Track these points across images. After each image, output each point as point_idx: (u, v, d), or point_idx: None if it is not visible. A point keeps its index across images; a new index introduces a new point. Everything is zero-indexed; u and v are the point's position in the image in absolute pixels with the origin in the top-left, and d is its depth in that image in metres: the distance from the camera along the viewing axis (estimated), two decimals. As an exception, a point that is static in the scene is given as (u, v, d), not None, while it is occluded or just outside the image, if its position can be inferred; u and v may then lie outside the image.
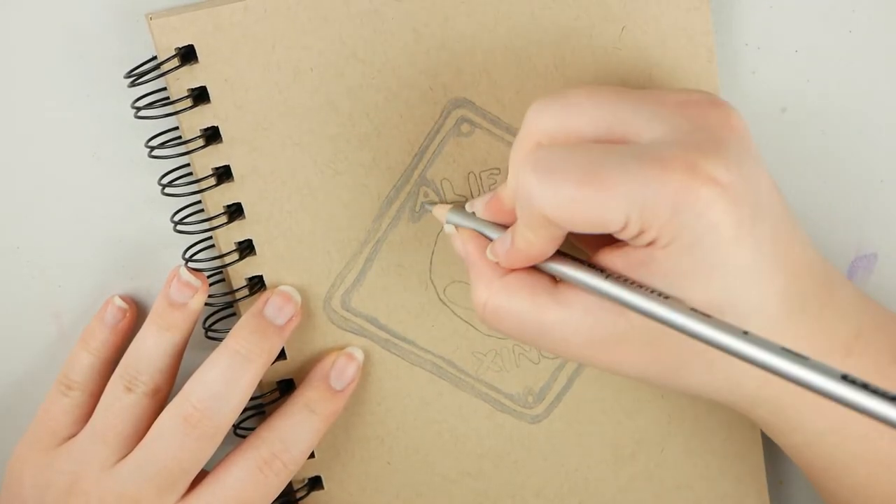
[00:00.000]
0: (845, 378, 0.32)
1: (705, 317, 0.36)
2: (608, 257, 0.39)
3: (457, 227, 0.43)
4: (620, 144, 0.38)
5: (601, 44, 0.45)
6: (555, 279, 0.40)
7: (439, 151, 0.46)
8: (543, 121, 0.39)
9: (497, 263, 0.41)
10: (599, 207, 0.36)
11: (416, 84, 0.45)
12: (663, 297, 0.37)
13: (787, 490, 0.55)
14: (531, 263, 0.40)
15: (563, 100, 0.39)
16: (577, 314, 0.39)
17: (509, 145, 0.46)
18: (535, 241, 0.39)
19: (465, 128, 0.46)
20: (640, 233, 0.37)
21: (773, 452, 0.54)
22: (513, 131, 0.46)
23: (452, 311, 0.49)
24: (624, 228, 0.37)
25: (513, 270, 0.41)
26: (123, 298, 0.49)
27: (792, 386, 0.39)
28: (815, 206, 0.50)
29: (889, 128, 0.49)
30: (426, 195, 0.47)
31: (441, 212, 0.45)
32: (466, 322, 0.49)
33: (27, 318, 0.50)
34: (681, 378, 0.40)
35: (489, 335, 0.49)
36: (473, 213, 0.44)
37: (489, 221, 0.43)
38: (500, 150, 0.46)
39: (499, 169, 0.46)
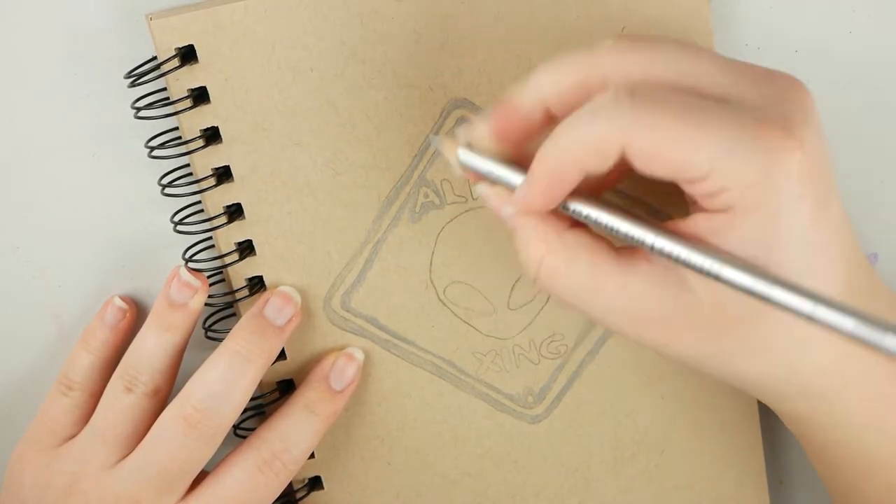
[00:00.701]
0: None
1: (793, 286, 0.34)
2: (677, 226, 0.37)
3: (487, 182, 0.39)
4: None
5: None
6: (614, 246, 0.38)
7: (439, 152, 0.46)
8: (623, 59, 0.36)
9: (551, 220, 0.37)
10: (690, 145, 0.34)
11: (416, 84, 0.45)
12: (741, 259, 0.35)
13: (787, 490, 0.55)
14: (554, 199, 0.37)
15: (650, 44, 0.36)
16: (639, 283, 0.37)
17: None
18: (569, 167, 0.35)
19: (465, 128, 0.46)
20: (720, 191, 0.34)
21: (773, 453, 0.54)
22: (513, 131, 0.46)
23: (452, 312, 0.49)
24: (704, 180, 0.34)
25: (572, 226, 0.38)
26: (123, 298, 0.49)
27: (845, 378, 0.39)
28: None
29: (889, 128, 0.49)
30: (426, 195, 0.47)
31: (448, 147, 0.39)
32: (466, 322, 0.49)
33: (27, 318, 0.50)
34: (734, 363, 0.38)
35: (489, 335, 0.49)
36: (480, 153, 0.39)
37: (504, 162, 0.38)
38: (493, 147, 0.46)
39: None
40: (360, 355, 0.49)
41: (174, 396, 0.46)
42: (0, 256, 0.49)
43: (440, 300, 0.49)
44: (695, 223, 0.36)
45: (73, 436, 0.48)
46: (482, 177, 0.39)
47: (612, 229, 0.37)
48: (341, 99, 0.45)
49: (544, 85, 0.37)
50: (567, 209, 0.38)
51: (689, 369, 0.39)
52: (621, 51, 0.36)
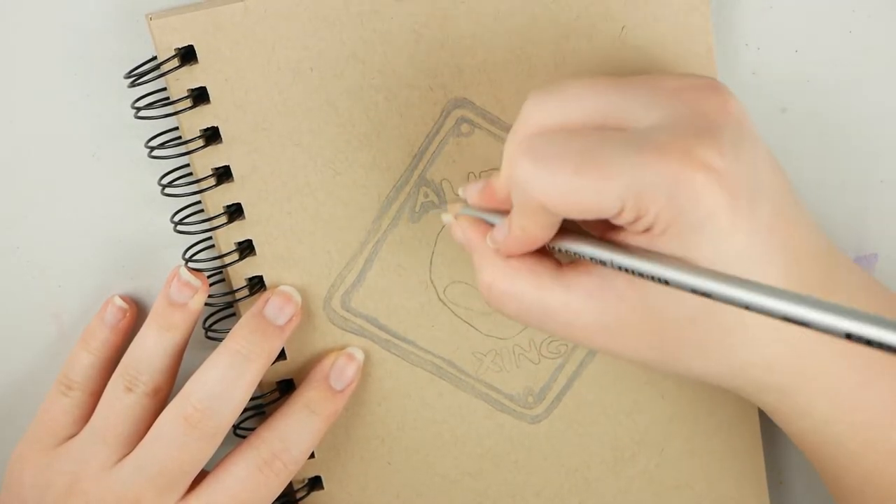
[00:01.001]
0: (852, 315, 0.31)
1: (714, 273, 0.35)
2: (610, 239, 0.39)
3: (455, 216, 0.43)
4: (617, 131, 0.37)
5: (601, 44, 0.45)
6: (559, 263, 0.40)
7: (439, 151, 0.46)
8: (540, 114, 0.39)
9: (497, 254, 0.41)
10: (595, 194, 0.36)
11: (416, 84, 0.45)
12: (666, 257, 0.36)
13: (787, 490, 0.55)
14: (528, 249, 0.40)
15: (560, 93, 0.39)
16: (579, 297, 0.39)
17: (509, 145, 0.46)
18: (531, 229, 0.39)
19: (464, 128, 0.46)
20: (637, 219, 0.36)
21: (773, 453, 0.54)
22: (513, 131, 0.46)
23: (452, 312, 0.49)
24: (620, 214, 0.36)
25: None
26: (123, 298, 0.49)
27: (799, 374, 0.39)
28: (815, 206, 0.50)
29: (889, 128, 0.49)
30: (426, 195, 0.47)
31: (447, 216, 0.44)
32: (466, 322, 0.49)
33: (27, 318, 0.50)
34: (682, 362, 0.40)
35: (489, 335, 0.49)
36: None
37: (487, 209, 0.42)
38: (499, 150, 0.46)
39: (498, 169, 0.46)
40: (360, 355, 0.49)
41: (174, 396, 0.46)
42: (0, 256, 0.49)
43: (440, 300, 0.49)
44: (621, 238, 0.38)
45: (73, 436, 0.48)
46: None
47: (552, 247, 0.40)
48: (341, 99, 0.45)
49: (507, 169, 0.40)
50: (551, 248, 0.41)
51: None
52: (536, 104, 0.39)
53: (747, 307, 0.33)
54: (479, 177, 0.47)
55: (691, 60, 0.45)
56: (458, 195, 0.47)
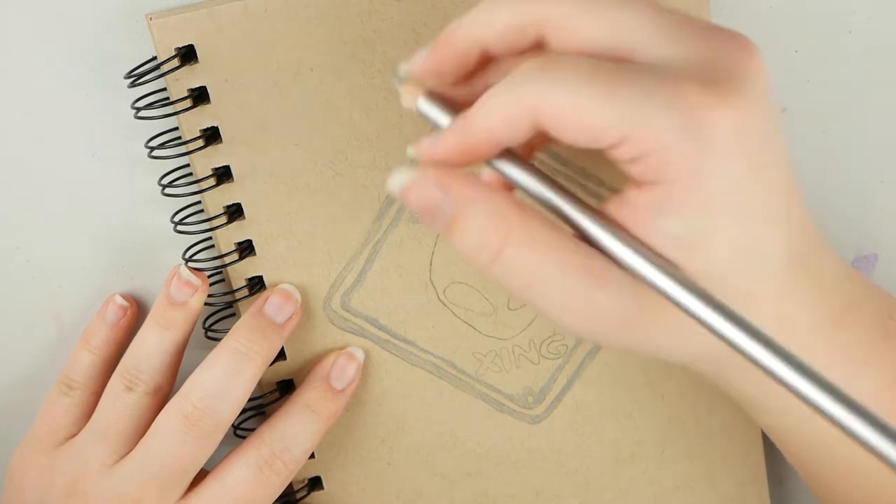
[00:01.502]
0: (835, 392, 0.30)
1: (705, 294, 0.32)
2: (615, 205, 0.35)
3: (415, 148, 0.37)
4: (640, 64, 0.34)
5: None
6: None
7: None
8: (562, 7, 0.34)
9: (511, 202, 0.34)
10: (600, 110, 0.32)
11: (416, 84, 0.45)
12: (660, 259, 0.33)
13: (788, 490, 0.55)
14: (472, 160, 0.34)
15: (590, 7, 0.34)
16: (607, 294, 0.35)
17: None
18: (496, 128, 0.33)
19: (465, 128, 0.46)
20: (640, 157, 0.33)
21: (773, 453, 0.54)
22: (513, 131, 0.46)
23: (452, 312, 0.49)
24: (619, 144, 0.33)
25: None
26: (124, 296, 0.49)
27: None
28: (815, 206, 0.50)
29: (889, 128, 0.49)
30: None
31: (409, 92, 0.37)
32: (466, 323, 0.49)
33: (27, 318, 0.50)
34: (653, 339, 0.36)
35: (489, 336, 0.49)
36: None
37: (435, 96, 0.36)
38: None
39: None
40: (360, 355, 0.49)
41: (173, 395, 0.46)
42: (0, 256, 0.49)
43: (440, 300, 0.49)
44: (633, 202, 0.34)
45: (74, 435, 0.48)
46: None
47: (536, 195, 0.35)
48: (341, 99, 0.45)
49: (480, 24, 0.35)
50: (493, 167, 0.35)
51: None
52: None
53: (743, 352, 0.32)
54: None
55: None
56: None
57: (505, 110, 0.33)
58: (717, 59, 0.34)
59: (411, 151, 0.36)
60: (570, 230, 0.35)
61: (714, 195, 0.33)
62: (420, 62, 0.36)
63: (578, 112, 0.32)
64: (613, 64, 0.33)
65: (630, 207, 0.34)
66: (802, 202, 0.37)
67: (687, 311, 0.33)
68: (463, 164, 0.35)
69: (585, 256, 0.34)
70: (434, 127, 0.36)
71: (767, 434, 0.43)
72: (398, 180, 0.35)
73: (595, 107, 0.32)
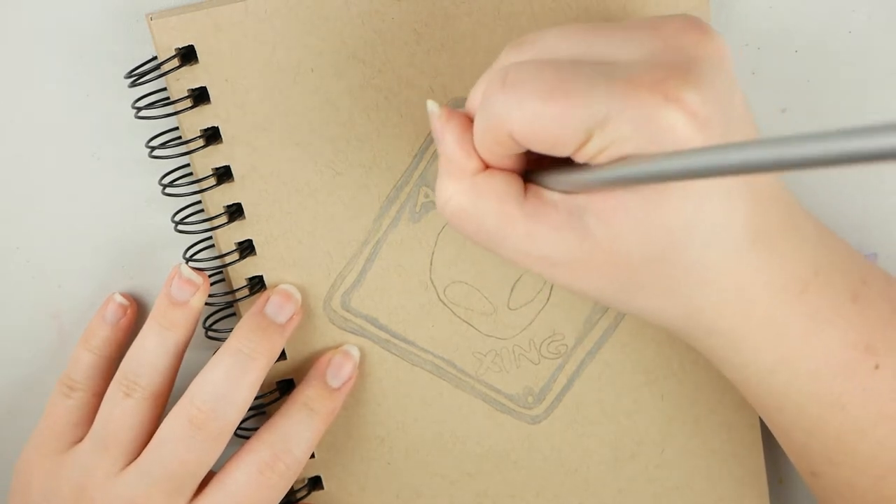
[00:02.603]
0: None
1: (669, 153, 0.33)
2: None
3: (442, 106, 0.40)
4: (592, 64, 0.36)
5: (601, 44, 0.45)
6: (524, 190, 0.39)
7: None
8: (514, 59, 0.38)
9: (471, 158, 0.39)
10: (561, 124, 0.35)
11: (416, 84, 0.45)
12: (622, 159, 0.35)
13: (787, 490, 0.55)
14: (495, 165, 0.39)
15: (535, 42, 0.38)
16: (544, 229, 0.38)
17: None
18: (497, 152, 0.38)
19: (465, 128, 0.46)
20: (601, 151, 0.35)
21: (773, 453, 0.54)
22: (513, 131, 0.46)
23: (452, 312, 0.49)
24: (584, 146, 0.35)
25: (485, 169, 0.39)
26: (124, 295, 0.49)
27: (746, 319, 0.39)
28: (816, 206, 0.50)
29: (889, 128, 0.49)
30: (427, 195, 0.47)
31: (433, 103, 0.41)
32: (466, 322, 0.49)
33: (27, 318, 0.50)
34: (638, 299, 0.39)
35: (489, 336, 0.49)
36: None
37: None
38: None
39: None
40: (356, 352, 0.49)
41: (175, 399, 0.46)
42: (0, 256, 0.49)
43: (440, 300, 0.49)
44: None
45: (79, 438, 0.48)
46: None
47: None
48: (341, 99, 0.45)
49: (475, 101, 0.39)
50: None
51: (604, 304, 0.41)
52: (512, 53, 0.38)
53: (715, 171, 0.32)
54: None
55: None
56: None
57: (491, 138, 0.37)
58: (671, 49, 0.36)
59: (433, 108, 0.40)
60: (515, 188, 0.38)
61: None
62: (451, 136, 0.40)
63: (539, 129, 0.35)
64: (571, 69, 0.35)
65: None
66: (773, 177, 0.39)
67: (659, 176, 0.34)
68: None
69: (523, 205, 0.38)
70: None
71: (736, 386, 0.44)
72: (430, 106, 0.40)
73: (558, 123, 0.35)
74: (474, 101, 0.39)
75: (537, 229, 0.38)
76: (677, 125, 0.34)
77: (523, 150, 0.37)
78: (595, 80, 0.35)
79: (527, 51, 0.38)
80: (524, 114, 0.35)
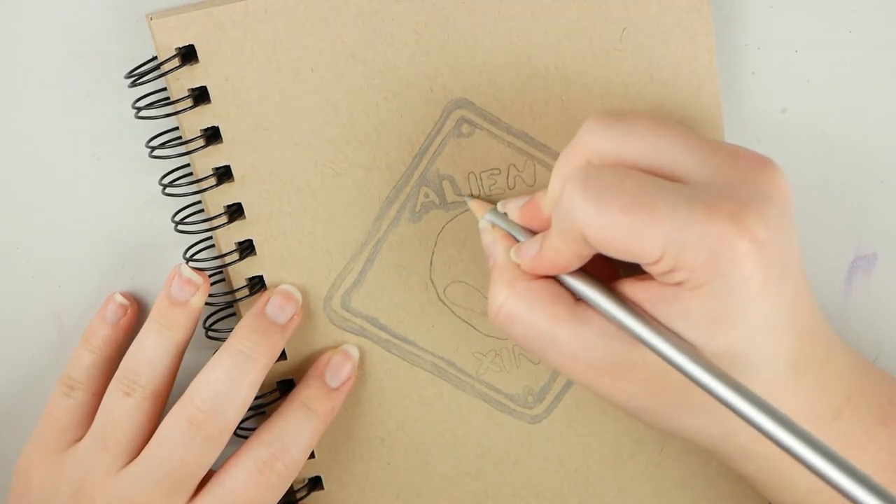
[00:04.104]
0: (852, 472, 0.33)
1: (718, 371, 0.36)
2: (632, 287, 0.39)
3: (492, 225, 0.44)
4: (669, 181, 0.38)
5: (601, 44, 0.45)
6: (574, 297, 0.41)
7: (439, 152, 0.46)
8: (599, 141, 0.39)
9: (521, 270, 0.41)
10: (640, 238, 0.36)
11: (416, 84, 0.45)
12: (680, 340, 0.37)
13: (787, 490, 0.55)
14: (554, 273, 0.40)
15: (623, 124, 0.39)
16: (592, 334, 0.39)
17: (509, 146, 0.46)
18: (563, 253, 0.39)
19: (465, 128, 0.46)
20: (671, 270, 0.37)
21: (772, 452, 0.54)
22: (513, 132, 0.46)
23: (452, 312, 0.49)
24: (657, 263, 0.37)
25: (536, 278, 0.41)
26: (124, 295, 0.49)
27: None
28: (816, 206, 0.50)
29: (889, 128, 0.49)
30: (426, 195, 0.47)
31: (477, 207, 0.45)
32: (466, 322, 0.49)
33: (27, 318, 0.50)
34: (676, 418, 0.41)
35: (489, 335, 0.49)
36: (505, 213, 0.44)
37: (520, 225, 0.43)
38: (500, 151, 0.46)
39: (499, 169, 0.46)
40: (355, 352, 0.49)
41: (175, 399, 0.46)
42: (0, 256, 0.49)
43: (440, 300, 0.49)
44: (649, 289, 0.38)
45: (79, 437, 0.48)
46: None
47: (567, 284, 0.40)
48: (342, 99, 0.45)
49: (555, 190, 0.41)
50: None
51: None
52: (597, 130, 0.39)
53: (741, 416, 0.35)
54: (480, 177, 0.47)
55: (692, 61, 0.45)
56: (457, 197, 0.47)
57: (566, 246, 0.39)
58: (746, 182, 0.38)
59: (502, 208, 0.45)
60: (564, 294, 0.40)
61: (724, 308, 0.37)
62: (512, 213, 0.44)
63: (619, 241, 0.37)
64: (652, 184, 0.37)
65: (646, 293, 0.39)
66: (813, 306, 0.41)
67: (708, 389, 0.36)
68: (548, 273, 0.41)
69: (574, 309, 0.40)
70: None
71: None
72: (482, 222, 0.44)
73: (634, 237, 0.36)
74: (553, 190, 0.41)
75: (586, 333, 0.39)
76: (746, 261, 0.36)
77: (592, 253, 0.39)
78: (676, 200, 0.36)
79: (615, 129, 0.39)
80: (602, 222, 0.37)
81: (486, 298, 0.48)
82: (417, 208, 0.47)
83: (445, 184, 0.47)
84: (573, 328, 0.39)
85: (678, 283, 0.37)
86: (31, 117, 0.47)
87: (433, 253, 0.48)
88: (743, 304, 0.37)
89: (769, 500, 0.44)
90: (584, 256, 0.39)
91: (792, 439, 0.34)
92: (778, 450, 0.39)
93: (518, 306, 0.40)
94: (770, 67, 0.48)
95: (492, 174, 0.47)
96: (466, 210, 0.47)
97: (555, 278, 0.41)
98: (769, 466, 0.42)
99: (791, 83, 0.48)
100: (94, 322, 0.49)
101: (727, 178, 0.38)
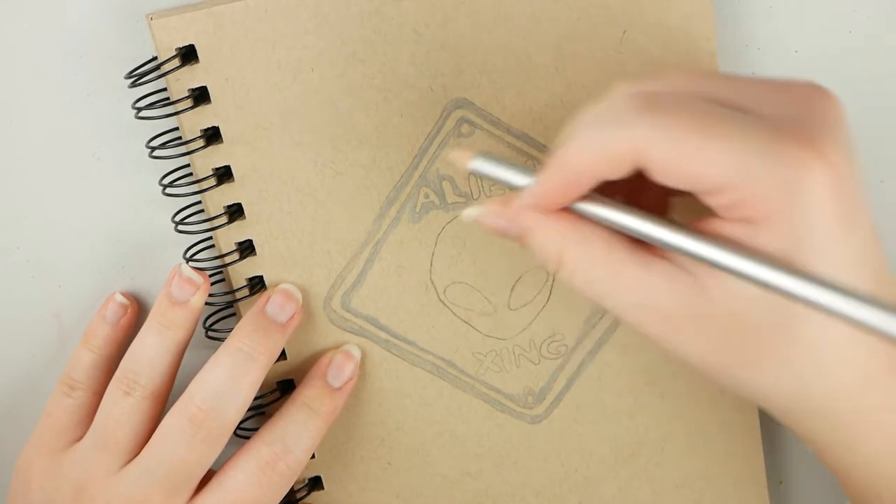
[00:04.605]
0: None
1: (814, 276, 0.33)
2: (696, 226, 0.36)
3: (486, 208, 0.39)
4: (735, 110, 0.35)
5: (602, 45, 0.45)
6: (634, 241, 0.37)
7: (440, 152, 0.46)
8: (638, 88, 0.36)
9: (564, 214, 0.37)
10: (703, 159, 0.33)
11: (416, 84, 0.45)
12: (759, 253, 0.34)
13: (787, 490, 0.55)
14: (567, 198, 0.36)
15: (661, 78, 0.36)
16: (657, 278, 0.36)
17: (509, 146, 0.46)
18: (585, 161, 0.35)
19: (465, 128, 0.46)
20: (736, 204, 0.34)
21: (773, 453, 0.54)
22: (513, 132, 0.46)
23: (452, 312, 0.49)
24: (720, 192, 0.34)
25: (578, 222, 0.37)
26: (124, 294, 0.49)
27: (861, 404, 0.37)
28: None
29: (889, 128, 0.49)
30: (427, 196, 0.47)
31: (458, 155, 0.40)
32: (466, 323, 0.49)
33: (27, 318, 0.50)
34: (746, 374, 0.37)
35: (489, 336, 0.49)
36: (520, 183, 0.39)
37: (515, 167, 0.38)
38: (500, 151, 0.46)
39: None
40: (357, 352, 0.49)
41: (174, 398, 0.46)
42: (0, 256, 0.49)
43: (440, 300, 0.49)
44: (712, 227, 0.35)
45: (79, 437, 0.48)
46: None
47: (627, 228, 0.36)
48: (342, 99, 0.45)
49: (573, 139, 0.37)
50: (577, 210, 0.37)
51: (699, 375, 0.38)
52: (632, 82, 0.36)
53: (846, 318, 0.32)
54: (480, 177, 0.47)
55: (693, 63, 0.45)
56: (457, 197, 0.47)
57: (607, 151, 0.34)
58: (801, 112, 0.35)
59: (472, 213, 0.39)
60: (622, 237, 0.37)
61: (801, 246, 0.34)
62: (531, 195, 0.38)
63: (684, 162, 0.33)
64: (718, 109, 0.34)
65: (709, 231, 0.35)
66: (883, 255, 0.37)
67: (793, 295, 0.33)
68: (557, 205, 0.37)
69: (635, 252, 0.36)
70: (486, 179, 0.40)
71: (832, 470, 0.42)
72: (470, 214, 0.39)
73: (701, 158, 0.33)
74: (572, 139, 0.36)
75: (648, 277, 0.36)
76: (822, 187, 0.33)
77: (624, 175, 0.35)
78: (745, 122, 0.33)
79: (650, 84, 0.36)
80: (672, 142, 0.33)
81: (486, 299, 0.48)
82: (417, 209, 0.47)
83: (445, 184, 0.47)
84: (635, 272, 0.36)
85: (743, 219, 0.34)
86: (32, 117, 0.47)
87: (433, 253, 0.48)
88: (825, 238, 0.34)
89: (832, 470, 0.41)
90: (617, 172, 0.35)
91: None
92: (850, 408, 0.37)
93: (576, 253, 0.37)
94: (771, 68, 0.48)
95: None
96: (466, 210, 0.47)
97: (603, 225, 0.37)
98: (839, 426, 0.38)
99: (791, 83, 0.48)
100: (95, 322, 0.49)
101: (788, 109, 0.35)
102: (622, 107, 0.34)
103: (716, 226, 0.35)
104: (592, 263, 0.37)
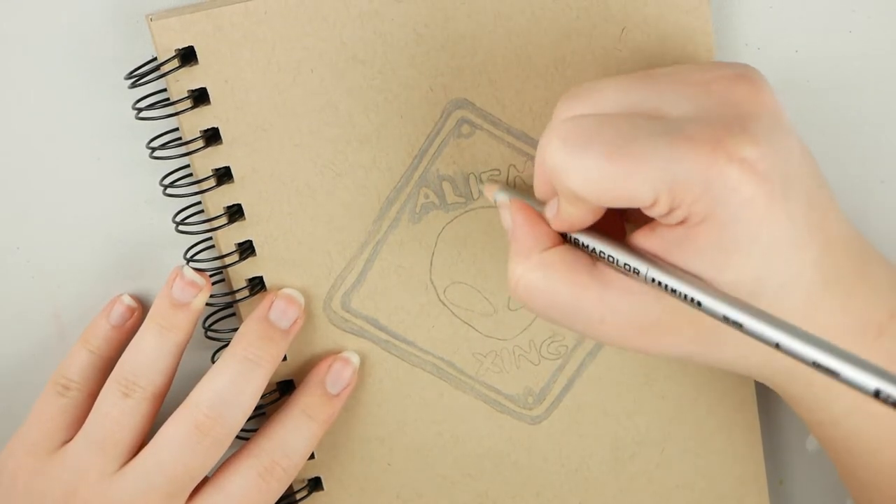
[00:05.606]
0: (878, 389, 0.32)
1: (741, 303, 0.35)
2: (644, 238, 0.38)
3: (510, 198, 0.43)
4: (649, 119, 0.37)
5: (601, 44, 0.45)
6: (593, 259, 0.40)
7: (440, 153, 0.46)
8: (571, 111, 0.38)
9: (537, 239, 0.40)
10: (627, 184, 0.35)
11: (416, 85, 0.45)
12: (688, 274, 0.37)
13: (787, 490, 0.55)
14: (574, 230, 0.40)
15: (588, 94, 0.38)
16: (615, 294, 0.39)
17: (510, 146, 0.46)
18: (573, 213, 0.38)
19: (465, 129, 0.46)
20: (671, 210, 0.36)
21: (773, 453, 0.54)
22: (513, 132, 0.46)
23: (452, 313, 0.49)
24: (654, 205, 0.36)
25: (552, 247, 0.40)
26: (132, 297, 0.49)
27: None
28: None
29: (889, 128, 0.49)
30: (426, 196, 0.47)
31: (489, 188, 0.45)
32: (466, 323, 0.49)
33: (27, 318, 0.50)
34: (716, 356, 0.40)
35: (489, 336, 0.49)
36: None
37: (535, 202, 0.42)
38: (500, 151, 0.46)
39: (499, 170, 0.46)
40: (355, 359, 0.49)
41: (169, 398, 0.46)
42: (0, 256, 0.49)
43: (440, 301, 0.49)
44: (660, 236, 0.38)
45: (68, 439, 0.47)
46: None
47: (580, 238, 0.40)
48: (341, 100, 0.45)
49: (538, 155, 0.40)
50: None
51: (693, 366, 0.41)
52: (568, 102, 0.39)
53: (777, 346, 0.34)
54: (480, 178, 0.47)
55: (692, 62, 0.45)
56: (457, 198, 0.47)
57: (570, 205, 0.38)
58: (724, 105, 0.37)
59: (500, 197, 0.44)
60: (586, 259, 0.40)
61: (734, 235, 0.36)
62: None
63: (616, 188, 0.36)
64: (640, 125, 0.36)
65: (658, 240, 0.38)
66: (838, 216, 0.39)
67: (730, 321, 0.35)
68: (571, 230, 0.40)
69: (594, 271, 0.39)
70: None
71: (810, 428, 0.44)
72: (499, 197, 0.44)
73: (627, 184, 0.35)
74: (538, 152, 0.39)
75: (611, 295, 0.39)
76: (741, 185, 0.35)
77: (599, 206, 0.37)
78: (656, 139, 0.35)
79: (581, 104, 0.38)
80: (588, 175, 0.36)
81: (486, 299, 0.48)
82: (417, 209, 0.47)
83: (445, 184, 0.47)
84: (596, 291, 0.39)
85: (682, 223, 0.37)
86: (32, 118, 0.47)
87: (433, 254, 0.48)
88: (750, 227, 0.36)
89: (813, 429, 0.44)
90: (593, 210, 0.38)
91: (812, 350, 0.33)
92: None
93: (535, 278, 0.39)
94: (770, 68, 0.48)
95: (492, 175, 0.47)
96: (467, 211, 0.47)
97: (569, 242, 0.40)
98: (810, 387, 0.41)
99: (791, 83, 0.48)
100: (97, 322, 0.49)
101: (704, 107, 0.37)
102: (549, 153, 0.37)
103: (662, 231, 0.37)
104: (553, 290, 0.39)
